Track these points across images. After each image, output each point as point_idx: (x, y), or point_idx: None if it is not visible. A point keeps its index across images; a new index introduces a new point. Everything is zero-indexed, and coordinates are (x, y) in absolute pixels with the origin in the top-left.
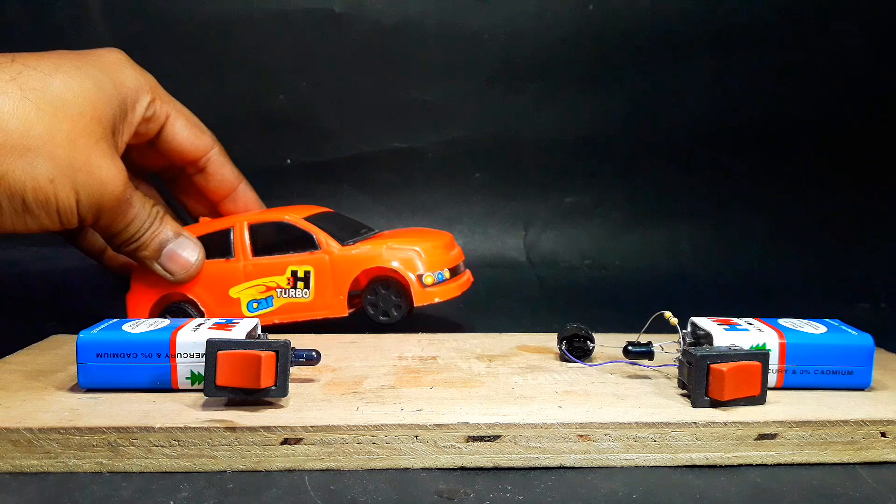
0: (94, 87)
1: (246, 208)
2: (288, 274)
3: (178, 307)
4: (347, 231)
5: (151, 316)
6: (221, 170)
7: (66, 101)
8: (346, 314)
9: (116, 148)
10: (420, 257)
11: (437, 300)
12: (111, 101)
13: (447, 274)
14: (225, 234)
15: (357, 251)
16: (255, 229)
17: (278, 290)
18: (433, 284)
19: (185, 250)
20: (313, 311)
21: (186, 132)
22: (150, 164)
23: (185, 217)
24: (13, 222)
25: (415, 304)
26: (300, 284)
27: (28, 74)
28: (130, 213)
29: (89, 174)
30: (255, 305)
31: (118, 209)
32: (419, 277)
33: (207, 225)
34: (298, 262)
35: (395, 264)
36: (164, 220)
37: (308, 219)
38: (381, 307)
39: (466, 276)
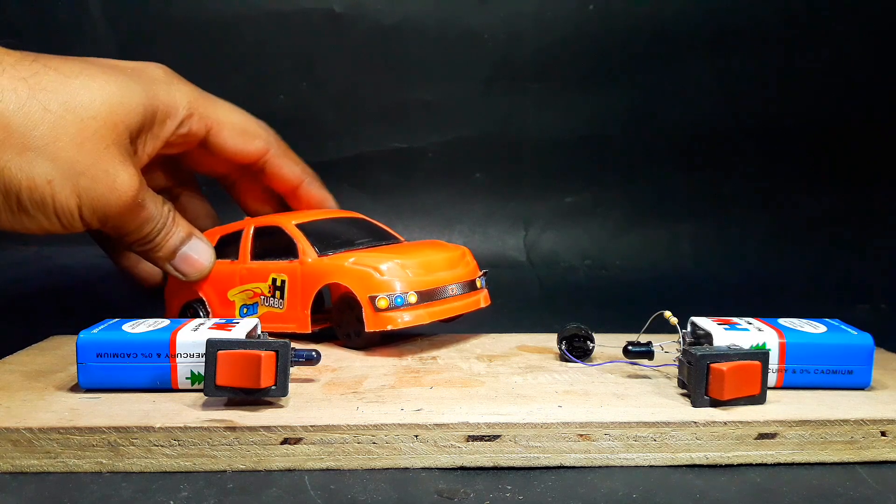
0: (118, 91)
1: (308, 206)
2: (269, 281)
3: (191, 306)
4: (345, 240)
5: (178, 313)
6: (280, 171)
7: (81, 103)
8: (309, 331)
9: (134, 154)
10: (379, 274)
11: (390, 328)
12: (135, 109)
13: (412, 298)
14: (238, 235)
15: (326, 264)
16: (258, 232)
17: (262, 297)
18: (388, 309)
19: (197, 252)
20: (285, 323)
21: (233, 142)
22: (210, 170)
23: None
24: (10, 220)
25: (366, 329)
26: (277, 294)
27: (45, 75)
28: (142, 216)
29: (94, 178)
30: (245, 311)
31: (128, 214)
32: (371, 299)
33: (229, 225)
34: (278, 271)
35: (347, 281)
36: (177, 222)
37: (308, 224)
38: (343, 328)
39: (455, 304)
